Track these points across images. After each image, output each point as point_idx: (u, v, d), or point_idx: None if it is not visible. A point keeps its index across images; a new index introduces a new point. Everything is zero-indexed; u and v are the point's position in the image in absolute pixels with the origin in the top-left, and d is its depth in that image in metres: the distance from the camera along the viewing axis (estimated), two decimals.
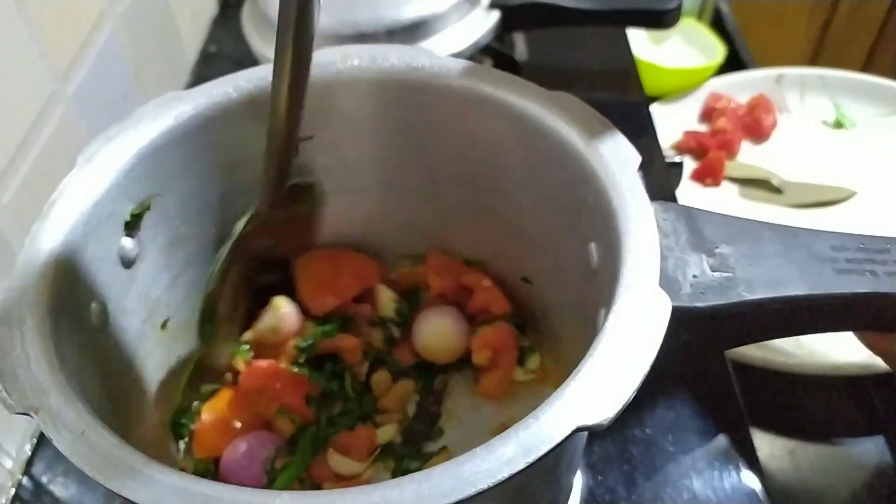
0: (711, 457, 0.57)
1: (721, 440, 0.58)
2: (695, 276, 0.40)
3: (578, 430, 0.32)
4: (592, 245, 0.44)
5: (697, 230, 0.42)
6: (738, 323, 0.41)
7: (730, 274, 0.40)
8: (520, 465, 0.31)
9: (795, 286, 0.40)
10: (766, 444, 0.75)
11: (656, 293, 0.37)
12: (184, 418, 0.54)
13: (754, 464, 0.57)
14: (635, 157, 0.42)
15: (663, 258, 0.39)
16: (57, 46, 0.66)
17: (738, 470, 0.57)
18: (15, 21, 0.60)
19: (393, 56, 0.49)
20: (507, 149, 0.49)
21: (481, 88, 0.48)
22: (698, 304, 0.40)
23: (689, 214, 0.43)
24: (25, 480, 0.59)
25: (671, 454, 0.57)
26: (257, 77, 0.49)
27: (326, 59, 0.50)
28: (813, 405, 0.79)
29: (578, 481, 0.56)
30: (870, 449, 0.76)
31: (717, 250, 0.41)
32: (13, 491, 0.59)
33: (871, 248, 0.41)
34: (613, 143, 0.43)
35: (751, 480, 0.56)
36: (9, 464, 0.59)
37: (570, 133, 0.44)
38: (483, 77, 0.48)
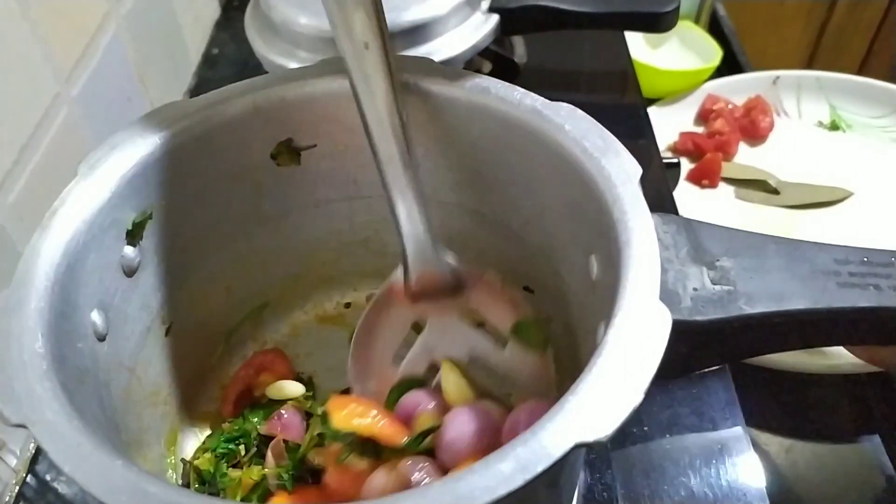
0: (709, 455, 0.58)
1: (718, 438, 0.58)
2: (695, 290, 0.40)
3: (577, 446, 0.32)
4: (593, 257, 0.44)
5: (698, 243, 0.42)
6: (739, 337, 0.41)
7: (731, 287, 0.40)
8: (517, 482, 0.31)
9: (797, 300, 0.39)
10: (763, 442, 0.76)
11: (657, 307, 0.36)
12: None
13: (751, 462, 0.57)
14: (636, 170, 0.42)
15: (663, 271, 0.39)
16: (61, 48, 0.66)
17: (735, 468, 0.57)
18: (19, 23, 0.60)
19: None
20: (507, 159, 0.49)
21: (481, 99, 0.47)
22: (698, 318, 0.39)
23: (690, 227, 0.43)
24: (29, 478, 0.60)
25: (668, 452, 0.58)
26: (259, 86, 0.49)
27: (327, 69, 0.50)
28: (810, 403, 0.80)
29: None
30: (866, 447, 0.76)
31: (718, 263, 0.41)
32: (17, 489, 0.59)
33: (875, 262, 0.41)
34: (614, 155, 0.43)
35: (748, 478, 0.56)
36: (13, 462, 0.60)
37: (570, 144, 0.44)
38: (483, 87, 0.48)
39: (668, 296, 0.39)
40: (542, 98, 0.46)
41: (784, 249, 0.41)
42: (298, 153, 0.53)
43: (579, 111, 0.45)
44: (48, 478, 0.59)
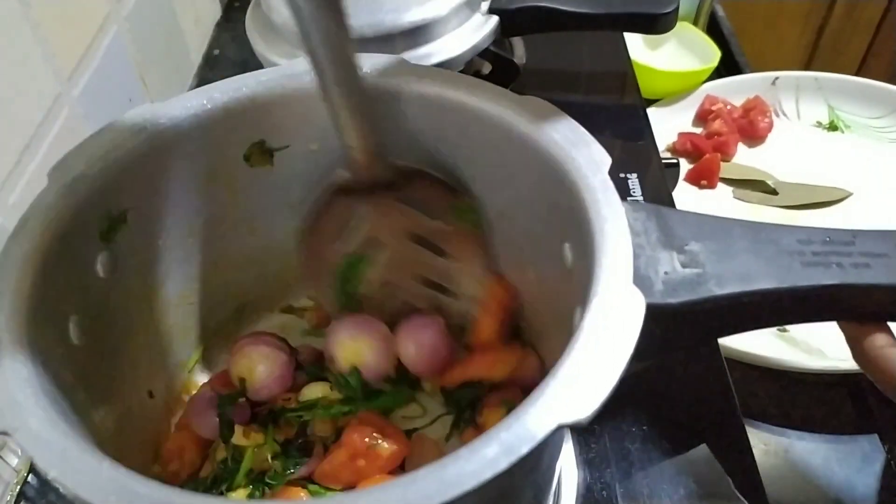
0: (709, 454, 0.57)
1: (716, 437, 0.58)
2: (666, 273, 0.41)
3: (559, 427, 0.32)
4: (567, 245, 0.45)
5: (667, 228, 0.42)
6: (710, 317, 0.41)
7: (700, 270, 0.41)
8: (502, 465, 0.31)
9: (764, 280, 0.40)
10: (761, 442, 0.76)
11: (630, 292, 0.37)
12: None
13: (749, 461, 0.57)
14: (606, 159, 0.42)
15: (635, 256, 0.39)
16: (62, 49, 0.67)
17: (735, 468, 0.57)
18: (21, 24, 0.61)
19: (365, 64, 0.49)
20: (479, 153, 0.49)
21: (451, 95, 0.48)
22: (670, 301, 0.40)
23: (659, 213, 0.43)
24: (31, 478, 0.60)
25: (667, 450, 0.58)
26: (232, 88, 0.49)
27: (298, 70, 0.50)
28: (808, 403, 0.79)
29: (575, 477, 0.56)
30: (864, 447, 0.76)
31: (687, 247, 0.42)
32: (18, 488, 0.59)
33: (837, 241, 0.42)
34: (584, 145, 0.43)
35: (748, 478, 0.56)
36: (14, 461, 0.60)
37: (540, 136, 0.44)
38: (453, 83, 0.48)
39: (640, 280, 0.39)
40: (510, 91, 0.47)
41: (749, 232, 0.42)
42: (271, 154, 0.53)
43: (547, 103, 0.46)
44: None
